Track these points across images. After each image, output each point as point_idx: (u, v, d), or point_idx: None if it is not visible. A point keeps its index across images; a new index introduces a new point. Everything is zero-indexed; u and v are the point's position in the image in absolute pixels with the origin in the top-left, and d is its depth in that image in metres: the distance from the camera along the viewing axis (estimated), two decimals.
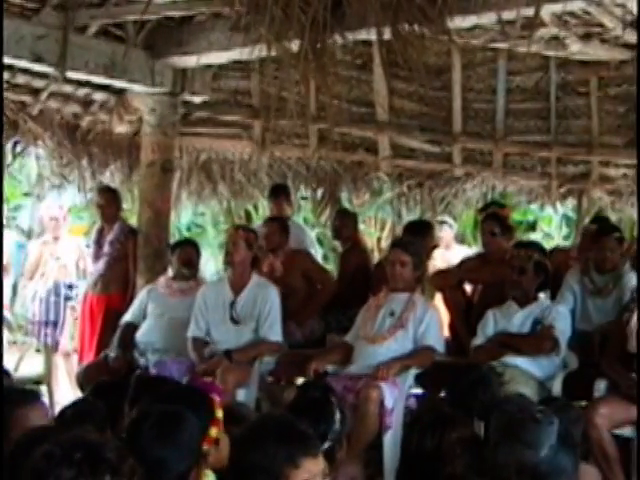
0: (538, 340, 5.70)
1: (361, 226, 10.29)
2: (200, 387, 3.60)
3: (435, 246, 7.52)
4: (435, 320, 5.91)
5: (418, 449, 3.40)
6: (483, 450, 2.73)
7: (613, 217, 8.83)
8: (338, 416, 3.84)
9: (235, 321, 6.29)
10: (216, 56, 6.95)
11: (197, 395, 3.22)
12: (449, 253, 9.66)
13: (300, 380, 6.06)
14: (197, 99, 7.83)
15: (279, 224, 7.36)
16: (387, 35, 5.68)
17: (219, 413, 3.11)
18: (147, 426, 2.74)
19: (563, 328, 5.74)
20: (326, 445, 3.71)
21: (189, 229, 14.70)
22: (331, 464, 3.69)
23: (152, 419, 2.76)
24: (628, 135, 8.73)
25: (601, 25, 7.28)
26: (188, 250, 7.04)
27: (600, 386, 5.30)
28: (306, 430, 2.65)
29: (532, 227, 14.00)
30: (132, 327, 6.79)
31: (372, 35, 5.95)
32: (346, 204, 9.33)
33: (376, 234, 12.47)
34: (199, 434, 2.88)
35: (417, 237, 6.73)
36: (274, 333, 6.25)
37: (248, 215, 12.42)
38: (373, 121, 8.97)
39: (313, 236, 9.54)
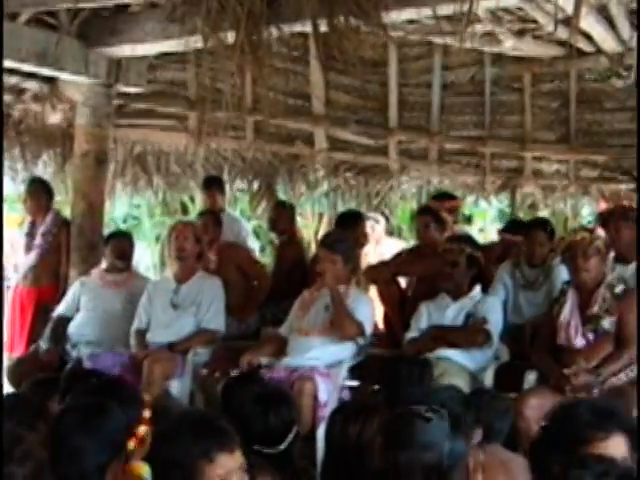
0: (470, 333, 5.76)
1: (298, 219, 10.30)
2: (130, 384, 3.58)
3: (366, 237, 7.54)
4: (365, 302, 5.90)
5: (340, 439, 3.42)
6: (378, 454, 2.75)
7: (545, 212, 8.97)
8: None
9: (175, 306, 6.30)
10: (151, 47, 6.87)
11: (122, 384, 3.20)
12: (381, 248, 9.69)
13: (235, 373, 6.04)
14: (132, 90, 7.74)
15: (212, 217, 7.35)
16: (323, 28, 5.68)
17: (147, 412, 3.10)
18: (70, 417, 2.74)
19: (495, 321, 5.81)
20: (289, 439, 3.74)
21: (125, 221, 14.56)
22: (291, 457, 3.72)
23: (75, 410, 2.75)
24: (560, 131, 8.87)
25: (534, 22, 7.38)
26: (121, 242, 6.98)
27: (530, 378, 5.38)
28: (223, 426, 2.65)
29: (468, 221, 14.10)
30: (65, 320, 6.72)
31: (308, 28, 5.94)
32: (283, 197, 9.33)
33: (313, 227, 12.46)
34: (123, 429, 2.87)
35: (349, 229, 6.76)
36: (216, 322, 6.32)
37: (184, 207, 12.35)
38: (309, 114, 8.99)
39: (250, 228, 9.52)
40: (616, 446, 2.67)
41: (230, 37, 5.68)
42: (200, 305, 6.30)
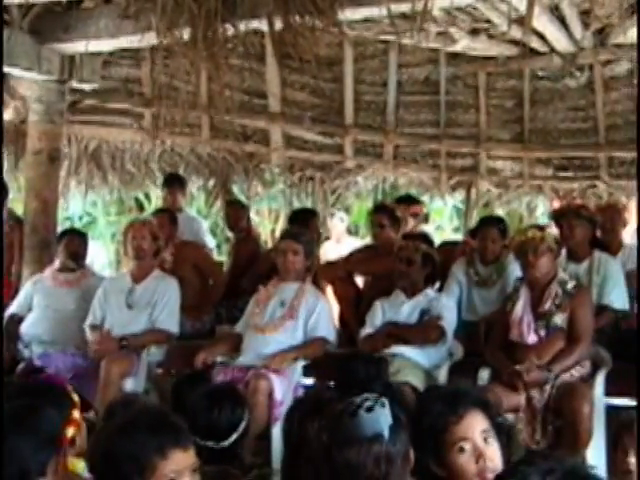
0: (425, 330, 5.79)
1: (255, 217, 10.30)
2: (48, 378, 3.56)
3: (320, 235, 7.57)
4: (326, 310, 5.94)
5: (298, 436, 3.42)
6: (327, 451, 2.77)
7: (500, 209, 9.04)
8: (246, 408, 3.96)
9: (130, 306, 6.27)
10: (105, 43, 6.82)
11: (51, 385, 3.19)
12: (340, 246, 9.71)
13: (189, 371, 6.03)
14: (86, 86, 7.67)
15: (168, 216, 7.32)
16: (279, 26, 5.67)
17: (74, 396, 3.09)
18: (4, 419, 2.71)
19: (449, 318, 5.84)
20: (235, 435, 3.74)
21: (80, 218, 14.44)
22: (239, 452, 3.72)
23: (8, 412, 2.72)
24: (515, 129, 8.95)
25: (489, 21, 7.44)
26: (74, 241, 6.91)
27: (483, 375, 5.41)
28: (179, 423, 2.64)
29: (424, 219, 14.16)
30: (17, 319, 6.64)
31: (264, 25, 5.94)
32: (239, 194, 9.31)
33: (270, 225, 12.47)
34: (58, 426, 2.84)
35: (302, 226, 6.77)
36: (170, 323, 6.29)
37: (140, 204, 12.28)
38: (265, 112, 8.98)
39: (207, 227, 9.49)
40: (472, 423, 2.83)
41: (185, 34, 5.66)
42: (155, 306, 6.28)
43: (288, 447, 3.46)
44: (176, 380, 5.08)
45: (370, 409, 2.62)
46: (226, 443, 3.76)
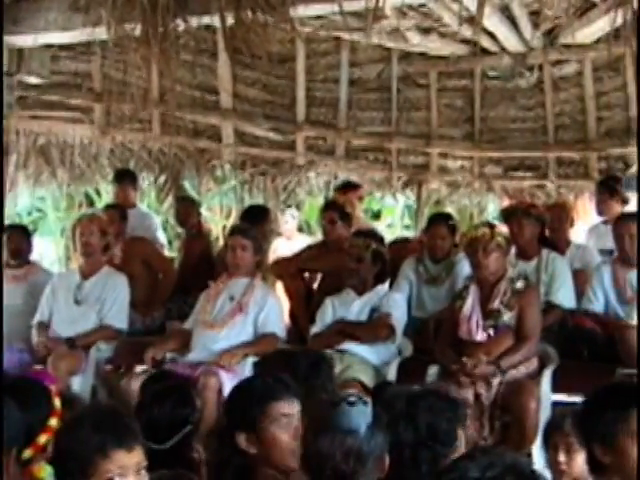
0: (375, 328, 5.80)
1: (206, 214, 10.24)
2: (34, 377, 3.50)
3: (271, 231, 7.57)
4: (276, 306, 5.94)
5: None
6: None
7: (450, 208, 9.09)
8: (198, 401, 3.89)
9: (78, 302, 6.22)
10: (54, 36, 6.73)
11: (34, 386, 3.13)
12: (292, 243, 9.71)
13: (139, 368, 5.99)
14: (35, 80, 7.56)
15: (117, 211, 7.28)
16: (231, 21, 5.65)
17: (57, 403, 3.04)
18: None
19: (399, 316, 5.86)
20: (187, 429, 3.69)
21: (29, 214, 14.27)
22: (189, 447, 3.66)
23: None
24: (465, 128, 9.01)
25: (440, 20, 7.48)
26: (16, 238, 6.85)
27: (432, 372, 5.44)
28: (126, 423, 2.62)
29: (377, 216, 14.21)
30: None
31: (216, 21, 5.91)
32: (190, 191, 9.26)
33: (221, 222, 12.42)
34: (36, 425, 2.83)
35: (254, 223, 6.76)
36: (119, 320, 6.28)
37: (90, 200, 12.16)
38: (217, 108, 8.93)
39: (159, 222, 9.43)
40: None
41: (136, 29, 5.62)
42: (104, 302, 6.24)
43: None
44: (144, 379, 5.01)
45: (352, 404, 2.65)
46: (168, 444, 3.60)
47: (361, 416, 2.64)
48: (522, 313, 5.31)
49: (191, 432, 3.73)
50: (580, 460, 3.44)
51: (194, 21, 5.96)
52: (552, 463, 3.70)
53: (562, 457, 3.64)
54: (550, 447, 3.75)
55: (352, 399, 2.68)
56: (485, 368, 5.15)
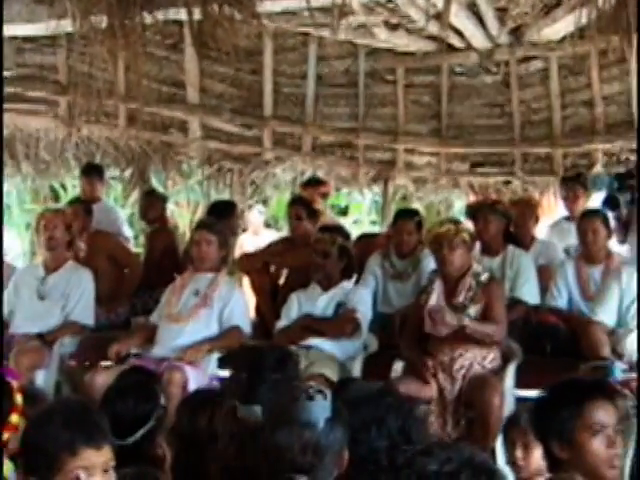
0: (340, 323, 5.81)
1: (173, 208, 10.21)
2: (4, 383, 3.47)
3: (238, 227, 7.56)
4: (241, 301, 5.94)
5: (189, 429, 3.41)
6: (260, 433, 2.77)
7: (417, 204, 9.12)
8: (162, 397, 3.81)
9: (42, 297, 6.18)
10: (18, 28, 6.69)
11: None
12: (258, 238, 9.70)
13: (103, 363, 5.95)
14: None
15: (82, 205, 7.25)
16: (198, 16, 5.64)
17: (18, 399, 3.01)
18: None
19: (364, 311, 5.88)
20: (149, 425, 3.63)
21: None
22: (153, 443, 3.63)
23: None
24: (432, 124, 9.03)
25: (407, 16, 7.49)
26: None
27: (397, 367, 5.46)
28: (95, 420, 2.60)
29: (344, 212, 14.23)
30: None
31: (182, 15, 5.89)
32: (156, 185, 9.23)
33: (188, 217, 12.39)
34: None
35: (221, 218, 6.74)
36: (86, 316, 6.26)
37: (55, 193, 12.09)
38: (183, 102, 8.88)
39: (124, 217, 9.39)
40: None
41: (102, 22, 5.59)
42: (69, 297, 6.21)
43: (178, 440, 3.43)
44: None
45: (311, 397, 2.65)
46: (131, 440, 3.54)
47: (320, 410, 2.63)
48: (487, 306, 5.31)
49: (155, 428, 3.69)
50: (537, 456, 3.47)
51: (161, 14, 5.95)
52: (510, 459, 3.74)
53: (519, 453, 3.68)
54: (508, 443, 3.78)
55: (311, 392, 2.67)
56: (450, 318, 5.13)
